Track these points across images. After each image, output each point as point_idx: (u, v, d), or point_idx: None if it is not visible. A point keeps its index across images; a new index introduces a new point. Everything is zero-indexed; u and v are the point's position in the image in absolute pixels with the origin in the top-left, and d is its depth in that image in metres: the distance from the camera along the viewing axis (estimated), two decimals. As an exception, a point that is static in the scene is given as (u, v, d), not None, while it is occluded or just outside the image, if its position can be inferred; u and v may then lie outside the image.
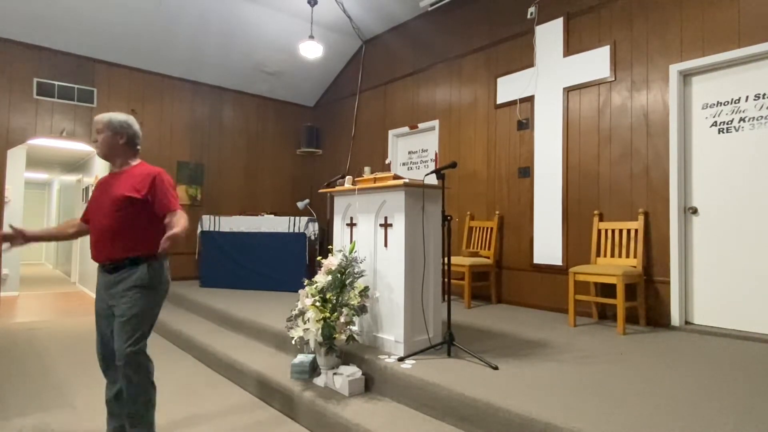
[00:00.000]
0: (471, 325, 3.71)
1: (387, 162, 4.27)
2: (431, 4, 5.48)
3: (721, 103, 3.58)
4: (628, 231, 3.86)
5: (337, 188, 3.21)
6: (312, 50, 5.70)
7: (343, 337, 2.68)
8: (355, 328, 2.80)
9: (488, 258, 4.76)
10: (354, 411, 2.36)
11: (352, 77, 7.03)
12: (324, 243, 6.13)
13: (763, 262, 3.33)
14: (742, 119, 3.47)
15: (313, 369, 2.85)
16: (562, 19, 4.44)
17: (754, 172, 3.40)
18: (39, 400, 2.85)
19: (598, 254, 4.01)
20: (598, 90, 4.19)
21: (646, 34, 3.91)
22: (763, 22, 3.32)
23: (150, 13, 5.44)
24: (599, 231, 4.03)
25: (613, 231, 3.95)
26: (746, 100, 3.46)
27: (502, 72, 4.95)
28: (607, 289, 3.85)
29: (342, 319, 2.65)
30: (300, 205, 5.79)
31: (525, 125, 4.73)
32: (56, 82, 5.61)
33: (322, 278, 2.83)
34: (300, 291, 2.84)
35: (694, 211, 3.68)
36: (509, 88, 4.86)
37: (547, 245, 4.46)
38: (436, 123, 5.67)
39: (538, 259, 4.53)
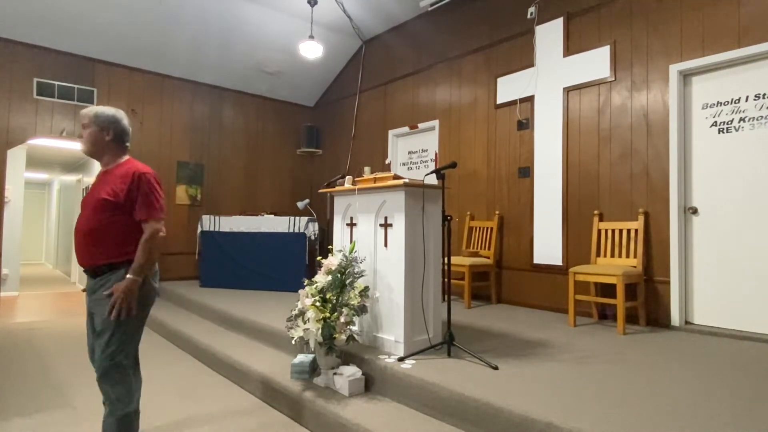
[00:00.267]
0: (471, 325, 3.71)
1: (387, 162, 4.26)
2: (431, 4, 5.48)
3: (721, 103, 3.58)
4: (628, 231, 3.86)
5: (337, 188, 3.21)
6: (312, 50, 5.70)
7: (343, 337, 2.68)
8: (355, 328, 2.80)
9: (488, 258, 4.76)
10: (354, 411, 2.36)
11: (352, 77, 7.03)
12: (324, 243, 6.13)
13: (763, 262, 3.33)
14: (742, 119, 3.47)
15: (313, 369, 2.85)
16: (562, 19, 4.44)
17: (754, 172, 3.40)
18: (39, 400, 2.85)
19: (598, 254, 4.01)
20: (598, 90, 4.19)
21: (646, 34, 3.91)
22: (763, 22, 3.32)
23: (150, 13, 5.44)
24: (599, 231, 4.03)
25: (613, 231, 3.95)
26: (746, 100, 3.46)
27: (502, 72, 4.95)
28: (607, 289, 3.85)
29: (342, 319, 2.65)
30: (300, 205, 5.79)
31: (525, 125, 4.72)
32: (56, 82, 5.61)
33: (322, 278, 2.83)
34: (300, 291, 2.84)
35: (694, 211, 3.68)
36: (509, 88, 4.86)
37: (547, 245, 4.46)
38: (436, 123, 5.67)
39: (538, 259, 4.54)
